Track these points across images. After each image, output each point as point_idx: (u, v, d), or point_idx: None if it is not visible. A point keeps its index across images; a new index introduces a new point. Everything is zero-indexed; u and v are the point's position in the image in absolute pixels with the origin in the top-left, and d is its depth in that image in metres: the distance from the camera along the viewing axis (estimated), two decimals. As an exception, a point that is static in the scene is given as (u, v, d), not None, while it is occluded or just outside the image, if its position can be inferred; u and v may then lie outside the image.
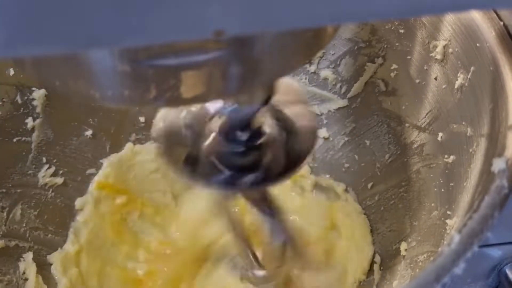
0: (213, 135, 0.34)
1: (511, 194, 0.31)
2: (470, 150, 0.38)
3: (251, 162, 0.34)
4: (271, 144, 0.34)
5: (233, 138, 0.34)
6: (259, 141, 0.34)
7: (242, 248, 0.44)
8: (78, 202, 0.55)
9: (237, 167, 0.34)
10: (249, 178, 0.34)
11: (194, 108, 0.35)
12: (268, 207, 0.38)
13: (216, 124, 0.34)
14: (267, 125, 0.35)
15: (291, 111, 0.35)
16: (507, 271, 0.45)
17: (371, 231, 0.53)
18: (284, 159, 0.34)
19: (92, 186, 0.56)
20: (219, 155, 0.34)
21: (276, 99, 0.33)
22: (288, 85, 0.35)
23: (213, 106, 0.34)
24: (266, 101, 0.31)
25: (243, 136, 0.34)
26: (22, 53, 0.19)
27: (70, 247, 0.52)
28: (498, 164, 0.32)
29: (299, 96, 0.37)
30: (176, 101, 0.25)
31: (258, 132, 0.34)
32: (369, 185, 0.54)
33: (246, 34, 0.20)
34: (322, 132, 0.58)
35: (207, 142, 0.34)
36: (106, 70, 0.23)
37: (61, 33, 0.18)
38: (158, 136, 0.35)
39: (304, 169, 0.58)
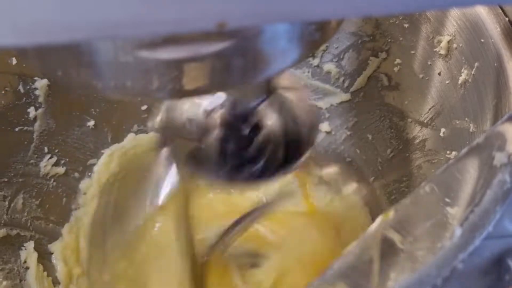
0: (215, 128, 0.34)
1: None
2: (472, 146, 0.38)
3: (251, 155, 0.34)
4: (271, 137, 0.34)
5: (235, 131, 0.34)
6: (260, 134, 0.34)
7: None
8: (82, 185, 0.55)
9: (238, 160, 0.34)
10: (249, 171, 0.34)
11: (197, 100, 0.35)
12: None
13: (217, 117, 0.34)
14: (268, 118, 0.35)
15: (293, 105, 0.35)
16: (509, 264, 0.45)
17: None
18: (284, 152, 0.34)
19: (94, 176, 0.56)
20: (220, 148, 0.34)
21: (279, 91, 0.33)
22: (291, 77, 0.35)
23: (215, 98, 0.34)
24: (267, 94, 0.31)
25: (245, 129, 0.34)
26: (25, 42, 0.19)
27: (70, 235, 0.53)
28: (500, 159, 0.32)
29: (301, 89, 0.36)
30: (179, 93, 0.25)
31: (259, 125, 0.34)
32: (371, 180, 0.54)
33: (249, 26, 0.20)
34: (324, 126, 0.58)
35: (209, 135, 0.35)
36: (109, 61, 0.23)
37: (64, 23, 0.18)
38: (160, 128, 0.35)
39: (310, 164, 0.58)
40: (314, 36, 0.26)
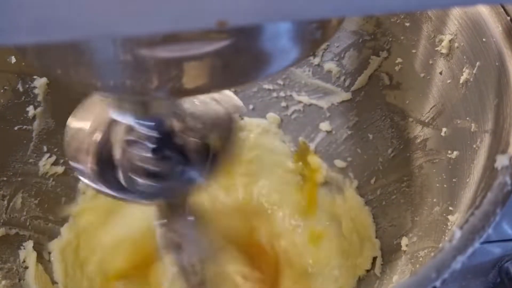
0: (122, 148, 0.35)
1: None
2: (474, 146, 0.38)
3: (168, 168, 0.35)
4: (187, 146, 0.35)
5: (143, 148, 0.34)
6: (170, 148, 0.34)
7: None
8: (81, 185, 0.55)
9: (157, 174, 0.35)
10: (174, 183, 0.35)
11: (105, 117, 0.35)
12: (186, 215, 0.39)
13: (122, 135, 0.35)
14: (176, 130, 0.34)
15: (200, 107, 0.35)
16: (508, 267, 0.46)
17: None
18: (206, 152, 0.35)
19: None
20: (135, 168, 0.35)
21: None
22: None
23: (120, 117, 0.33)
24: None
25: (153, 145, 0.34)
26: (24, 41, 0.19)
27: (68, 234, 0.53)
28: (501, 161, 0.32)
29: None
30: (178, 92, 0.24)
31: (168, 138, 0.34)
32: (371, 180, 0.54)
33: (249, 25, 0.20)
34: (325, 126, 0.58)
35: (120, 156, 0.35)
36: (108, 60, 0.23)
37: (64, 21, 0.18)
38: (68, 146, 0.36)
39: (315, 163, 0.58)
40: (315, 35, 0.26)
